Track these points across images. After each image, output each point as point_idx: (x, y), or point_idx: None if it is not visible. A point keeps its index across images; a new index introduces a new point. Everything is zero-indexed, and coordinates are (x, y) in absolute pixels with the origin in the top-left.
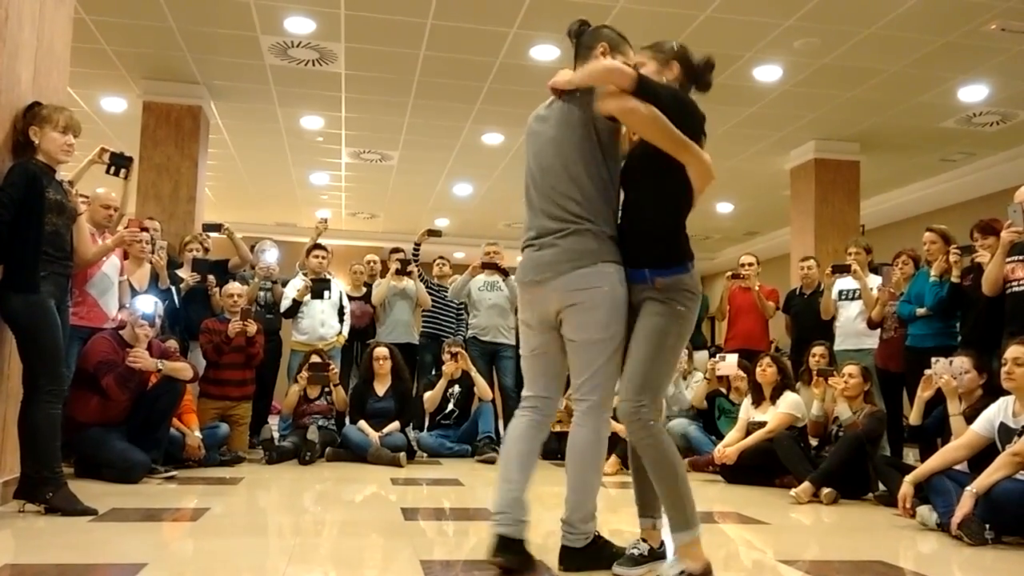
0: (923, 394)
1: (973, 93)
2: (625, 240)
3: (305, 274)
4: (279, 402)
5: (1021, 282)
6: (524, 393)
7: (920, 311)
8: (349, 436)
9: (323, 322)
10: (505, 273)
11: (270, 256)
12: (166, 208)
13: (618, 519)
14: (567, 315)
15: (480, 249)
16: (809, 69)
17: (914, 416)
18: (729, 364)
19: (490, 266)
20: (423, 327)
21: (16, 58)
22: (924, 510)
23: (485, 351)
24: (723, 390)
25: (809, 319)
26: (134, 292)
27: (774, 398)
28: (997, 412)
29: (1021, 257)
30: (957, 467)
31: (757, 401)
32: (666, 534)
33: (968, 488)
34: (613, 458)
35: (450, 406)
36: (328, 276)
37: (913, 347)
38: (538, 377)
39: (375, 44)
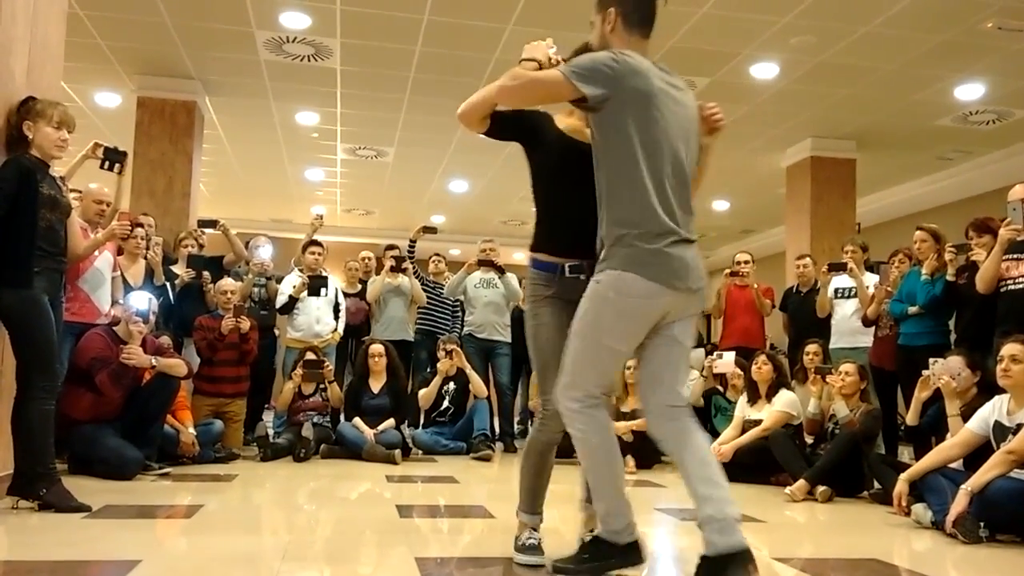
0: (920, 395)
1: (969, 92)
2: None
3: (301, 270)
4: (274, 399)
5: (1017, 280)
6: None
7: (912, 309)
8: (344, 433)
9: (319, 319)
10: (501, 270)
11: (264, 252)
12: (160, 204)
13: None
14: (686, 321)
15: (476, 246)
16: (805, 67)
17: (911, 417)
18: (726, 362)
19: (486, 263)
20: (418, 324)
21: (9, 53)
22: (919, 508)
23: (481, 348)
24: (720, 388)
25: (806, 317)
26: (129, 288)
27: (770, 396)
28: (992, 410)
29: (1017, 255)
30: (952, 465)
31: (753, 399)
32: None
33: (963, 486)
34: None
35: (445, 403)
36: (324, 273)
37: (905, 345)
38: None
39: (371, 40)
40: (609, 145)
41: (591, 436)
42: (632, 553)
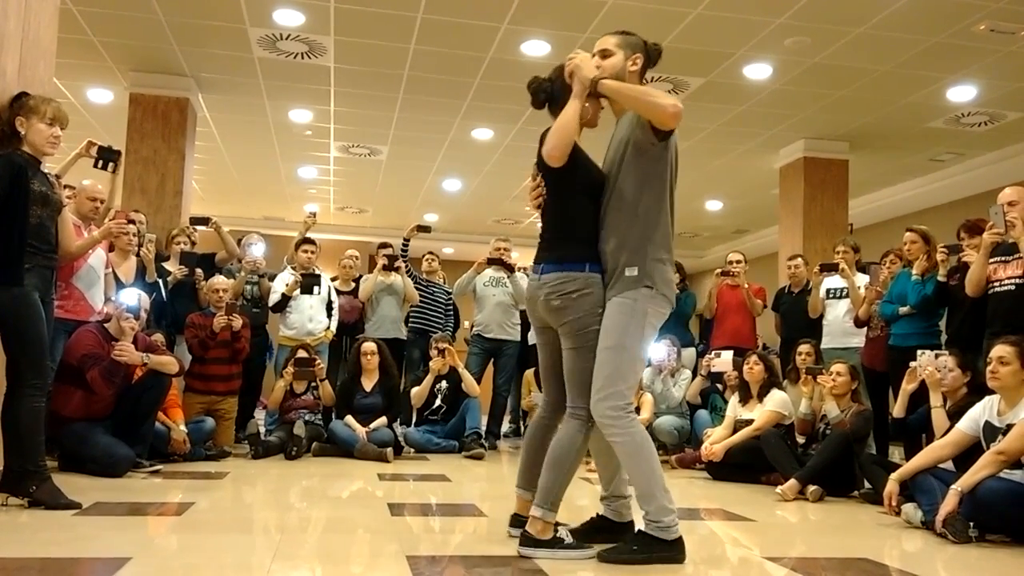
0: (907, 386)
1: (962, 93)
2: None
3: (294, 268)
4: (266, 397)
5: (1003, 282)
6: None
7: (903, 310)
8: (336, 431)
9: (311, 317)
10: (511, 270)
11: (256, 250)
12: (152, 202)
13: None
14: None
15: (468, 246)
16: (799, 68)
17: (897, 409)
18: (724, 360)
19: (496, 262)
20: (411, 323)
21: (1, 49)
22: (909, 508)
23: (487, 349)
24: (719, 386)
25: (797, 317)
26: (120, 285)
27: (761, 396)
28: (982, 411)
29: (1004, 258)
30: (942, 465)
31: (744, 399)
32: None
33: (953, 486)
34: None
35: (437, 402)
36: (317, 271)
37: (896, 346)
38: None
39: (365, 38)
40: (659, 175)
41: (640, 438)
42: (677, 549)
